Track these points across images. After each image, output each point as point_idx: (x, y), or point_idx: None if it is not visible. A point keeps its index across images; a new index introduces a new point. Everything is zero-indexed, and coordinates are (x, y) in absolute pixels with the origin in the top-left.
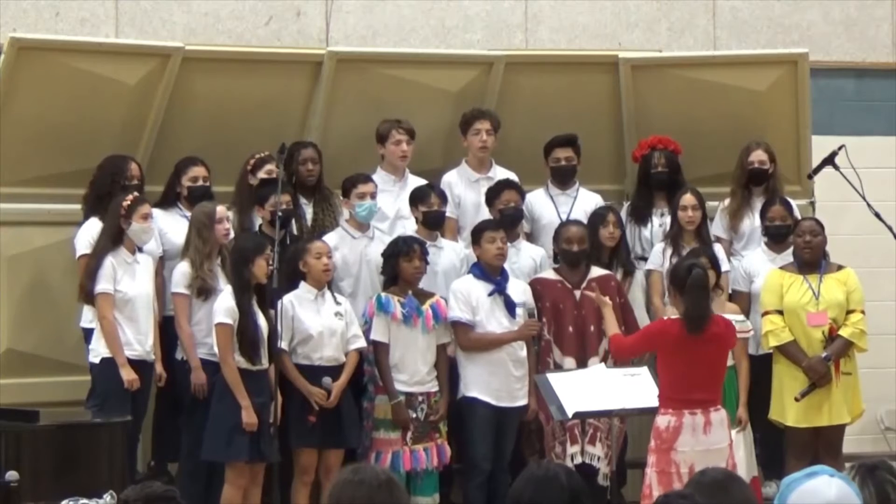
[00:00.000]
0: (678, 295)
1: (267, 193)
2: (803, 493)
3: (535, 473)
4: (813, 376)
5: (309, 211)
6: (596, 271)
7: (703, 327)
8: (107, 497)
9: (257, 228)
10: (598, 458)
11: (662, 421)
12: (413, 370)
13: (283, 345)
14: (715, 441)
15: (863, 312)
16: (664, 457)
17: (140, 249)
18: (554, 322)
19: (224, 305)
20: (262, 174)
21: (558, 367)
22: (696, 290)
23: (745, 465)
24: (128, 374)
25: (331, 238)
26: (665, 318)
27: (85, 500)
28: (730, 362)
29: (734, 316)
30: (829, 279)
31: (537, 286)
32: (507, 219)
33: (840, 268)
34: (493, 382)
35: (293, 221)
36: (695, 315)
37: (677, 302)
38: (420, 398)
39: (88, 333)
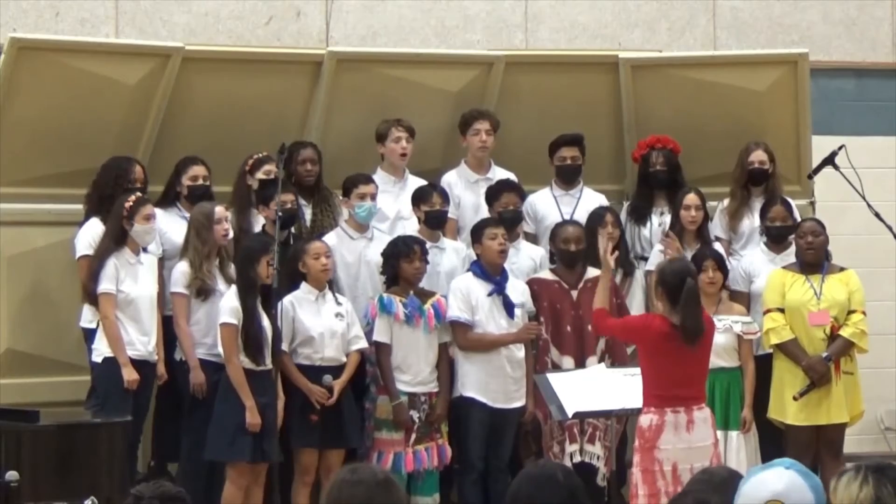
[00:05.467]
0: (669, 301)
1: (271, 193)
2: (753, 484)
3: (532, 472)
4: (812, 376)
5: (308, 211)
6: (592, 272)
7: (698, 340)
8: (87, 503)
9: (260, 228)
10: (598, 457)
11: (645, 420)
12: (416, 370)
13: (284, 346)
14: (698, 439)
15: (864, 313)
16: (647, 455)
17: (145, 250)
18: (552, 322)
19: (229, 305)
20: (260, 175)
21: (556, 367)
22: (692, 303)
23: (747, 466)
24: (129, 374)
25: (330, 238)
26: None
27: None
28: (735, 364)
29: (741, 317)
30: (831, 279)
31: (534, 286)
32: (506, 221)
33: (842, 269)
34: (490, 383)
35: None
36: (692, 328)
37: (664, 302)
38: (422, 398)
39: (88, 333)
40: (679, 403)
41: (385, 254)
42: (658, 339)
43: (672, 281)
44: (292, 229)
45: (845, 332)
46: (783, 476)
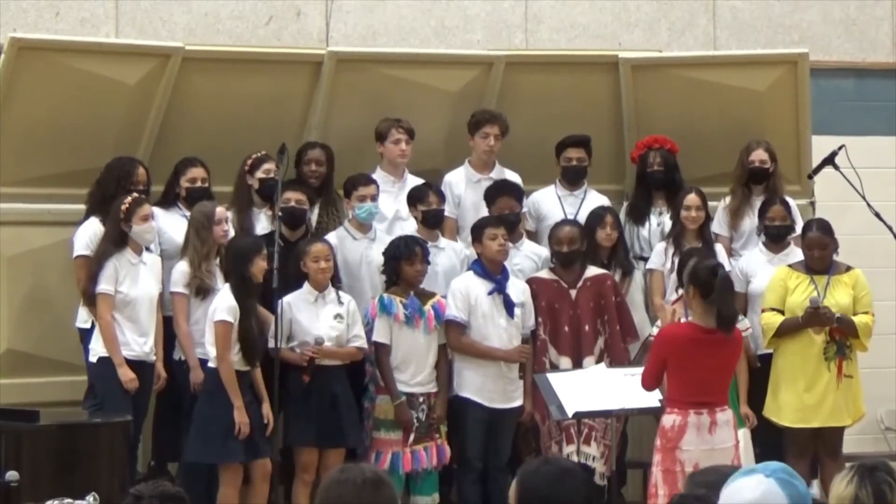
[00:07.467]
0: (701, 296)
1: (281, 190)
2: (731, 490)
3: (552, 467)
4: (813, 321)
5: (314, 212)
6: (592, 271)
7: (734, 328)
8: (89, 498)
9: (269, 228)
10: (594, 458)
11: (668, 420)
12: (415, 371)
13: (282, 344)
14: (720, 441)
15: (872, 315)
16: (669, 456)
17: (149, 249)
18: (549, 322)
19: (226, 304)
20: (259, 174)
21: (554, 367)
22: (726, 291)
23: (744, 463)
24: (125, 374)
25: (331, 238)
26: (663, 322)
27: (69, 501)
28: None
29: None
30: (837, 282)
31: (533, 285)
32: (504, 224)
33: (848, 269)
34: (486, 384)
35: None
36: (727, 315)
37: (697, 303)
38: (421, 398)
39: (83, 333)
40: (702, 406)
41: (386, 255)
42: (683, 346)
43: (705, 275)
44: (312, 227)
45: (858, 318)
46: (760, 484)
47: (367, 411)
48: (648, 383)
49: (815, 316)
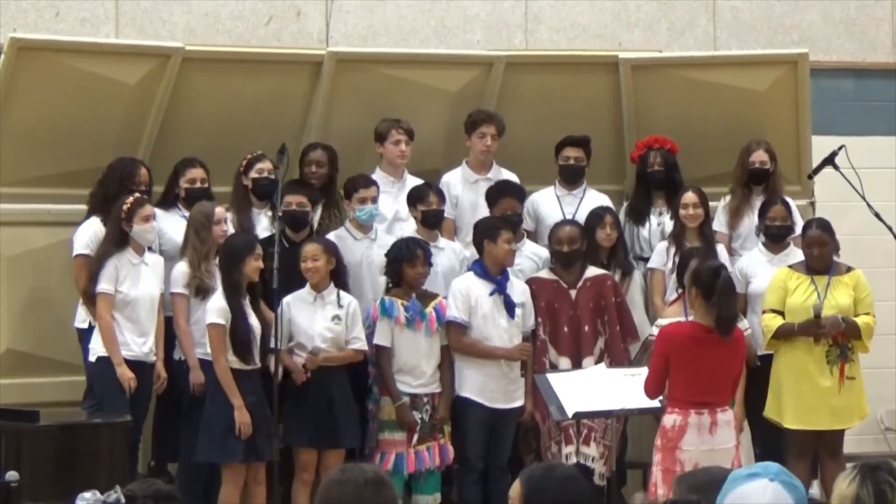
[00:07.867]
0: (703, 297)
1: (283, 193)
2: (737, 496)
3: (558, 474)
4: (812, 331)
5: (316, 212)
6: (592, 271)
7: (733, 330)
8: (115, 494)
9: (277, 228)
10: (594, 459)
11: (668, 420)
12: (418, 372)
13: (282, 344)
14: (721, 441)
15: (873, 315)
16: (669, 455)
17: (150, 249)
18: (549, 322)
19: (216, 306)
20: (253, 173)
21: (553, 367)
22: (727, 294)
23: (743, 464)
24: (124, 374)
25: (331, 238)
26: (663, 323)
27: (89, 495)
28: None
29: None
30: (837, 282)
31: (533, 286)
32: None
33: (849, 269)
34: (487, 384)
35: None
36: (727, 318)
37: (699, 303)
38: (425, 399)
39: (82, 333)
40: (703, 406)
41: (388, 257)
42: (685, 345)
43: (707, 276)
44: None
45: (860, 319)
46: (767, 489)
47: (372, 413)
48: (652, 388)
49: (815, 326)
